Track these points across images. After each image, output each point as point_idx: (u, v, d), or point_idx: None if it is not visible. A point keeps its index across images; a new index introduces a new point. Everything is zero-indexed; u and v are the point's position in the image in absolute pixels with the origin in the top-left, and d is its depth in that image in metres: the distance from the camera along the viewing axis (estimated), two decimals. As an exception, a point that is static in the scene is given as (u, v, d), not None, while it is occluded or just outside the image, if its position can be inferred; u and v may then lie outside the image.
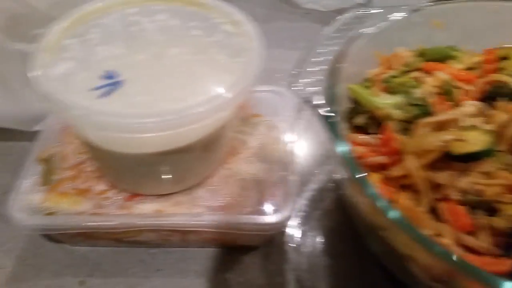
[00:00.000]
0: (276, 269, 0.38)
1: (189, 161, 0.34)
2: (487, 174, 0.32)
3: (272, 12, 0.67)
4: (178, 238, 0.37)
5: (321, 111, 0.33)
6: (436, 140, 0.33)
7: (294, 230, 0.41)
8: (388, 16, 0.43)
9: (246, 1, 0.68)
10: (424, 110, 0.37)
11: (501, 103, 0.36)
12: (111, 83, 0.29)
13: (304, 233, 0.41)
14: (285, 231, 0.40)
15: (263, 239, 0.38)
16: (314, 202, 0.43)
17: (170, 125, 0.27)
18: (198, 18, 0.36)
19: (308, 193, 0.43)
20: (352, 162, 0.30)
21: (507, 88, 0.36)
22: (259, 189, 0.37)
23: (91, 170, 0.37)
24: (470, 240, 0.30)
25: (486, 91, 0.37)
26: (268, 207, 0.35)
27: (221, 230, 0.34)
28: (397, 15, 0.43)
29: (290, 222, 0.41)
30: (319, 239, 0.40)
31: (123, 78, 0.30)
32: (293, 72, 0.37)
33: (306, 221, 0.41)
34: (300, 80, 0.36)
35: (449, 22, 0.43)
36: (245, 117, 0.42)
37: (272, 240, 0.40)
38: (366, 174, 0.29)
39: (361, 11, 0.43)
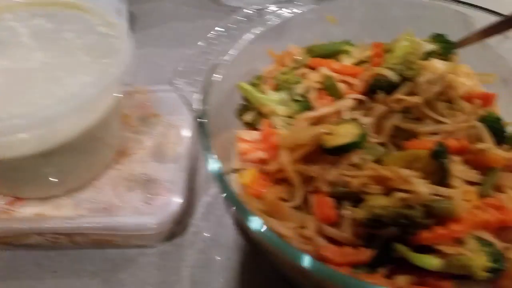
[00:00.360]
0: (172, 267, 0.39)
1: (63, 164, 0.34)
2: (355, 166, 0.33)
3: (198, 11, 0.67)
4: (66, 240, 0.37)
5: (195, 115, 0.33)
6: (308, 134, 0.34)
7: (191, 228, 0.41)
8: (287, 12, 0.44)
9: (172, 1, 0.69)
10: (305, 106, 0.37)
11: (380, 96, 0.37)
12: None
13: (200, 231, 0.41)
14: (185, 230, 0.41)
15: (158, 238, 0.38)
16: (214, 199, 0.43)
17: (19, 127, 0.27)
18: (75, 21, 0.36)
19: (208, 191, 0.44)
20: (209, 158, 0.30)
21: (386, 81, 0.37)
22: (147, 189, 0.37)
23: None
24: (331, 231, 0.31)
25: (368, 84, 0.38)
26: (153, 207, 0.36)
27: (103, 232, 0.34)
28: (295, 11, 0.44)
29: (192, 221, 0.41)
30: (215, 236, 0.41)
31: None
32: (178, 69, 0.37)
33: (204, 218, 0.42)
34: (179, 79, 0.36)
35: (343, 17, 0.44)
36: (143, 116, 0.43)
37: (170, 239, 0.40)
38: (224, 175, 0.29)
39: (256, 9, 0.44)
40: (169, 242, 0.40)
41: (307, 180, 0.33)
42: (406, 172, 0.31)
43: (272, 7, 0.44)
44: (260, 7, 0.44)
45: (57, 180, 0.35)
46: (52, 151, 0.32)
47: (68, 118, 0.29)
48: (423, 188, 0.30)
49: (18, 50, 0.34)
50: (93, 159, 0.36)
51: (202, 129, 0.32)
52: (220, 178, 0.29)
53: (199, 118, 0.33)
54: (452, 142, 0.34)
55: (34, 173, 0.34)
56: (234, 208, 0.28)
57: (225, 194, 0.29)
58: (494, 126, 0.35)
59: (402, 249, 0.29)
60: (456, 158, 0.33)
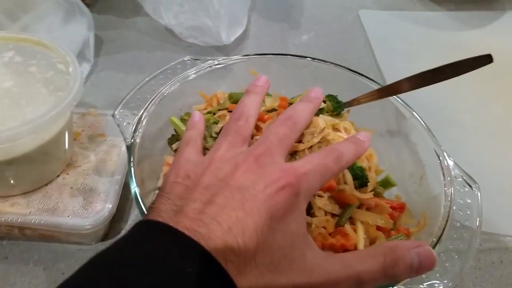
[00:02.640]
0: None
1: (20, 171, 0.43)
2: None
3: (159, 43, 0.76)
4: (17, 232, 0.46)
5: (126, 140, 0.43)
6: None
7: (123, 232, 0.50)
8: (219, 63, 0.54)
9: (138, 31, 0.79)
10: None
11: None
12: None
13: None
14: (119, 233, 0.50)
15: (93, 237, 0.47)
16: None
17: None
18: (40, 57, 0.46)
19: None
20: (131, 181, 0.40)
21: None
22: (86, 197, 0.46)
23: None
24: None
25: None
26: (89, 212, 0.45)
27: (45, 228, 0.43)
28: (225, 63, 0.54)
29: (125, 226, 0.50)
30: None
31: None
32: (120, 104, 0.47)
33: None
34: (121, 111, 0.46)
35: (261, 71, 0.55)
36: (91, 135, 0.52)
37: (104, 239, 0.49)
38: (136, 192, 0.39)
39: (193, 58, 0.54)
40: (103, 241, 0.49)
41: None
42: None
43: (207, 58, 0.55)
44: (194, 57, 0.54)
45: (14, 183, 0.44)
46: (11, 160, 0.41)
47: (26, 137, 0.39)
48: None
49: (-8, 78, 0.43)
50: (45, 168, 0.45)
51: (129, 158, 0.42)
52: (136, 199, 0.39)
53: (128, 149, 0.43)
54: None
55: (-6, 177, 0.43)
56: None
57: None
58: (357, 172, 0.46)
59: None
60: (324, 194, 0.44)
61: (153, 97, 0.48)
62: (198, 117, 0.41)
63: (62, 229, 0.44)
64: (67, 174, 0.48)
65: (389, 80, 0.72)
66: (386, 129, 0.54)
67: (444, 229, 0.39)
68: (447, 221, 0.39)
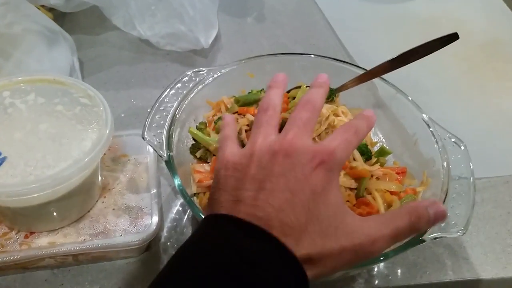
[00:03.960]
0: (153, 269, 0.52)
1: (69, 204, 0.46)
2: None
3: (137, 55, 0.79)
4: (72, 259, 0.49)
5: (164, 157, 0.48)
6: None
7: (163, 239, 0.55)
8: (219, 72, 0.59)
9: (113, 46, 0.80)
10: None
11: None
12: (-2, 160, 0.40)
13: (170, 240, 0.55)
14: (159, 241, 0.54)
15: (140, 250, 0.51)
16: (177, 215, 0.57)
17: (46, 187, 0.40)
18: (61, 94, 0.48)
19: (172, 209, 0.57)
20: (183, 191, 0.45)
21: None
22: (130, 215, 0.50)
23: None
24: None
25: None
26: (137, 227, 0.49)
27: (102, 250, 0.47)
28: (223, 70, 0.59)
29: (163, 233, 0.54)
30: (180, 242, 0.55)
31: (5, 155, 0.41)
32: (145, 126, 0.51)
33: (171, 230, 0.56)
34: (147, 132, 0.50)
35: (257, 72, 0.60)
36: (115, 158, 0.55)
37: (148, 249, 0.53)
38: (191, 199, 0.44)
39: (195, 71, 0.58)
40: (147, 252, 0.53)
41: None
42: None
43: (206, 69, 0.59)
44: (196, 70, 0.58)
45: (64, 216, 0.47)
46: (62, 197, 0.44)
47: (78, 174, 0.42)
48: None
49: (26, 123, 0.45)
50: (88, 197, 0.48)
51: (171, 169, 0.46)
52: (191, 205, 0.44)
53: (167, 162, 0.47)
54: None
55: (45, 214, 0.45)
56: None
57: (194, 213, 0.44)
58: (362, 149, 0.54)
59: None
60: (340, 173, 0.51)
61: (173, 113, 0.52)
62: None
63: (116, 248, 0.47)
64: (105, 197, 0.51)
65: (356, 57, 0.80)
66: (372, 107, 0.62)
67: (448, 184, 0.47)
68: (449, 177, 0.48)
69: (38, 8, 0.72)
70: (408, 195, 0.51)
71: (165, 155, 0.47)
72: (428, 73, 0.78)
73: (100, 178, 0.51)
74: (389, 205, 0.50)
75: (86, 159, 0.42)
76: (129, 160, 0.55)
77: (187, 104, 0.55)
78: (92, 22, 0.83)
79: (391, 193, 0.51)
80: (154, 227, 0.48)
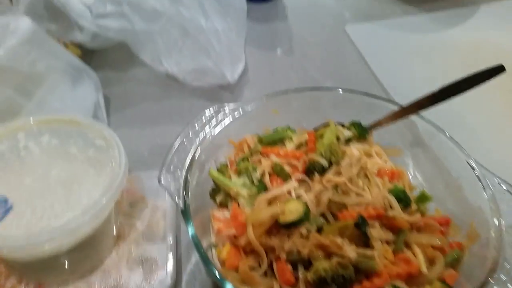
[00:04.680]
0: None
1: (80, 256, 0.43)
2: (304, 236, 0.44)
3: (164, 92, 0.77)
4: (81, 314, 0.45)
5: (179, 204, 0.44)
6: (266, 213, 0.45)
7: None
8: (241, 108, 0.55)
9: (140, 82, 0.79)
10: (262, 187, 0.49)
11: (316, 177, 0.49)
12: (3, 210, 0.38)
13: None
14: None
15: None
16: (195, 266, 0.53)
17: (50, 240, 0.37)
18: (76, 135, 0.46)
19: (190, 259, 0.53)
20: (198, 245, 0.41)
21: (318, 164, 0.49)
22: (144, 268, 0.46)
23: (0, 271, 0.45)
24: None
25: (306, 166, 0.50)
26: (151, 283, 0.45)
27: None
28: (247, 108, 0.56)
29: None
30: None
31: (12, 202, 0.39)
32: (162, 169, 0.48)
33: (189, 284, 0.51)
34: (164, 175, 0.47)
35: (282, 109, 0.56)
36: (133, 202, 0.52)
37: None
38: (206, 253, 0.40)
39: (217, 108, 0.55)
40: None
41: (270, 250, 0.44)
42: (339, 240, 0.43)
43: (229, 106, 0.56)
44: (218, 105, 0.55)
45: (74, 269, 0.44)
46: (71, 249, 0.41)
47: (87, 225, 0.39)
48: (352, 252, 0.42)
49: (37, 167, 0.43)
50: (100, 248, 0.45)
51: (186, 219, 0.43)
52: (206, 262, 0.40)
53: (182, 211, 0.43)
54: (370, 211, 0.46)
55: (54, 267, 0.43)
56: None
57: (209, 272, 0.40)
58: (400, 196, 0.48)
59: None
60: (375, 223, 0.46)
61: (191, 156, 0.49)
62: None
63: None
64: (119, 247, 0.48)
65: (392, 91, 0.75)
66: (410, 146, 0.56)
67: (501, 239, 0.41)
68: (501, 231, 0.42)
69: (66, 45, 0.73)
70: (454, 251, 0.44)
71: (181, 203, 0.44)
72: (472, 108, 0.71)
73: (114, 226, 0.48)
74: (431, 262, 0.44)
75: (95, 210, 0.39)
76: (147, 205, 0.52)
77: (208, 144, 0.52)
78: (120, 58, 0.82)
79: (434, 247, 0.45)
80: (169, 282, 0.45)
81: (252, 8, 0.92)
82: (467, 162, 0.49)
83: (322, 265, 0.41)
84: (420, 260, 0.43)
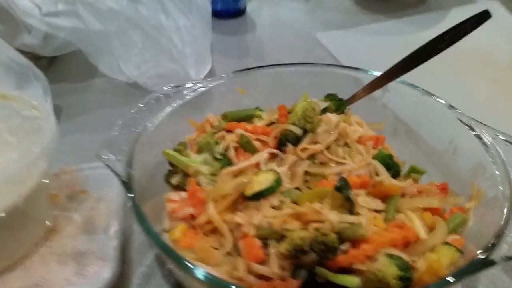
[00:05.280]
0: None
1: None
2: (276, 208, 0.36)
3: (124, 98, 0.70)
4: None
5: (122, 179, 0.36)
6: (230, 185, 0.37)
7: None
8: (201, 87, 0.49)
9: (96, 91, 0.73)
10: (226, 163, 0.41)
11: (289, 148, 0.42)
12: None
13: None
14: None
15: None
16: (149, 269, 0.43)
17: None
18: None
19: (143, 261, 0.44)
20: (144, 222, 0.33)
21: (291, 134, 0.42)
22: (79, 261, 0.37)
23: None
24: (260, 268, 0.33)
25: (278, 139, 0.43)
26: (86, 277, 0.36)
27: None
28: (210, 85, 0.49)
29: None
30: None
31: None
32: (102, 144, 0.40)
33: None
34: (106, 152, 0.39)
35: (251, 87, 0.50)
36: (71, 194, 0.44)
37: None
38: (149, 224, 0.32)
39: (175, 86, 0.49)
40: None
41: (235, 228, 0.36)
42: (317, 205, 0.35)
43: (189, 84, 0.50)
44: (175, 85, 0.49)
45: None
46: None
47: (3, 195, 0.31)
48: (333, 216, 0.34)
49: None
50: (21, 236, 0.36)
51: (132, 197, 0.35)
52: (151, 235, 0.31)
53: (128, 189, 0.35)
54: (353, 179, 0.39)
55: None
56: (169, 258, 0.31)
57: (159, 249, 0.31)
58: (387, 161, 0.41)
59: (324, 272, 0.32)
60: (360, 192, 0.38)
61: (140, 130, 0.42)
62: None
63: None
64: (51, 241, 0.39)
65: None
66: (392, 126, 0.50)
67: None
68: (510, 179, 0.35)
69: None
70: (455, 214, 0.37)
71: (123, 175, 0.36)
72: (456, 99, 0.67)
73: (44, 214, 0.39)
74: (431, 229, 0.36)
75: (7, 173, 0.31)
76: (88, 197, 0.44)
77: (162, 123, 0.45)
78: (76, 71, 0.77)
79: (433, 212, 0.37)
80: (108, 275, 0.35)
81: (219, 24, 0.89)
82: (460, 120, 0.42)
83: (298, 234, 0.33)
84: (416, 225, 0.35)
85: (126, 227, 0.44)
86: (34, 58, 0.69)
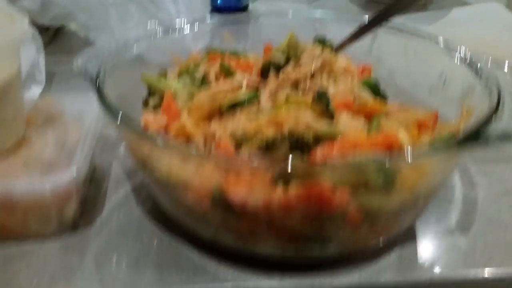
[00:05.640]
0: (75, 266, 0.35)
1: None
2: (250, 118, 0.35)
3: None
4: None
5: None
6: (205, 95, 0.36)
7: (97, 222, 0.39)
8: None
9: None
10: (205, 85, 0.40)
11: (271, 75, 0.40)
12: None
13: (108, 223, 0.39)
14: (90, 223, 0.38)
15: (61, 222, 0.36)
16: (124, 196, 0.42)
17: None
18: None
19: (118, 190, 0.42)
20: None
21: (274, 61, 0.41)
22: (45, 167, 0.36)
23: None
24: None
25: (262, 67, 0.42)
26: (48, 175, 0.34)
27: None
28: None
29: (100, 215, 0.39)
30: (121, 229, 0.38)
31: None
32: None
33: (111, 213, 0.40)
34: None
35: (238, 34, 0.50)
36: (48, 117, 0.43)
37: (75, 227, 0.37)
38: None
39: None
40: (73, 231, 0.37)
41: (209, 137, 0.34)
42: (294, 111, 0.33)
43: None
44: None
45: None
46: None
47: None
48: (310, 118, 0.32)
49: None
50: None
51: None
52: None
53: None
54: (337, 100, 0.37)
55: None
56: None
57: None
58: (373, 88, 0.40)
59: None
60: (343, 112, 0.37)
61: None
62: None
63: (13, 199, 0.32)
64: (18, 152, 0.37)
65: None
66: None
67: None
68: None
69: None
70: (443, 127, 0.35)
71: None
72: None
73: (14, 119, 0.38)
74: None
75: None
76: (65, 120, 0.42)
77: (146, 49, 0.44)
78: (77, 46, 0.78)
79: (419, 129, 0.35)
80: (73, 174, 0.33)
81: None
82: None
83: (272, 131, 0.31)
84: (399, 132, 0.33)
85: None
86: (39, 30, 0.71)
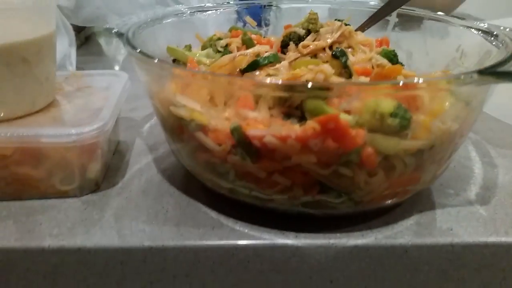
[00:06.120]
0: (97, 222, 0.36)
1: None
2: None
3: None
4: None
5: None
6: (226, 57, 0.37)
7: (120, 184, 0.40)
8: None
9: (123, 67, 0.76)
10: (228, 53, 0.41)
11: (291, 46, 0.42)
12: None
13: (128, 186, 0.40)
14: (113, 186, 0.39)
15: (84, 183, 0.37)
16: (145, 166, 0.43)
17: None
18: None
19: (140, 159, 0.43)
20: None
21: (295, 35, 0.42)
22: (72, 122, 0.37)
23: None
24: (248, 113, 0.32)
25: (283, 40, 0.43)
26: (74, 126, 0.35)
27: (21, 144, 0.33)
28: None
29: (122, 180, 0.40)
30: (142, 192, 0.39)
31: None
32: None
33: (132, 178, 0.41)
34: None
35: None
36: (77, 89, 0.45)
37: (97, 188, 0.39)
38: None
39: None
40: (94, 193, 0.38)
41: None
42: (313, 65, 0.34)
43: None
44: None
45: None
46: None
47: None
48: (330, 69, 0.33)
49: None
50: (22, 89, 0.37)
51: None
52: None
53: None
54: (356, 67, 0.38)
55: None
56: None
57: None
58: (391, 57, 0.40)
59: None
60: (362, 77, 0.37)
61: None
62: None
63: (40, 148, 0.33)
64: (48, 112, 0.39)
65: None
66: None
67: None
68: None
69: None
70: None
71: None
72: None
73: (47, 79, 0.40)
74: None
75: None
76: (94, 91, 0.44)
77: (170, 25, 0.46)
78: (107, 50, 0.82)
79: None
80: (100, 125, 0.35)
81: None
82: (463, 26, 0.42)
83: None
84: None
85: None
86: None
